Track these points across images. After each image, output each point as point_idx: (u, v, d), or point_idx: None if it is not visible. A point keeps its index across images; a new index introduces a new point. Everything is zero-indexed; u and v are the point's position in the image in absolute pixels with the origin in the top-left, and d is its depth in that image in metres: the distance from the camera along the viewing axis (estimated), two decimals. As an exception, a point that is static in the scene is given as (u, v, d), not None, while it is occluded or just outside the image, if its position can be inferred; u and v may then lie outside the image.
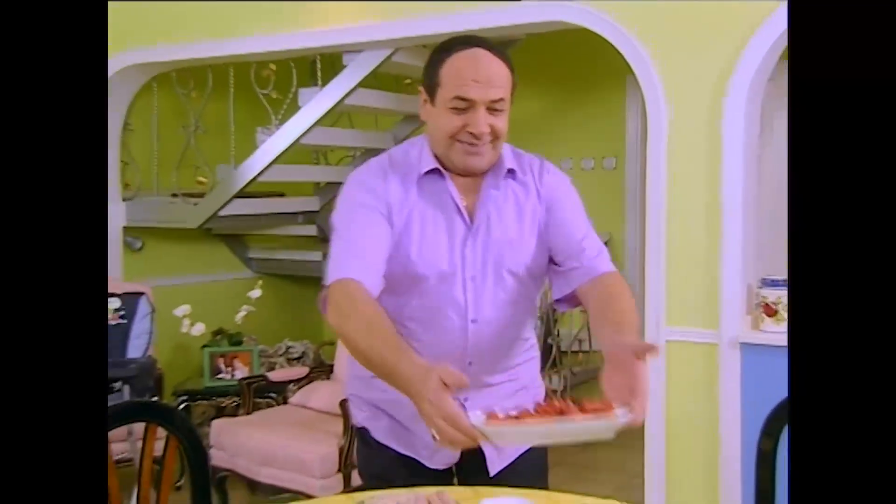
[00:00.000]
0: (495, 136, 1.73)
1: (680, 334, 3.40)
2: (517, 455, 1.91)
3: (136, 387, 3.54)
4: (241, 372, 4.54)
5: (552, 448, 5.38)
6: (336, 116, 5.40)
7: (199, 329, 4.50)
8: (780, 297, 3.20)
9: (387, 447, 1.88)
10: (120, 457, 3.77)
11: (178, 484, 4.43)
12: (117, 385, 3.54)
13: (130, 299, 3.93)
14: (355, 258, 1.70)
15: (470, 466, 1.85)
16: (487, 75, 1.70)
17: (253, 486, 3.77)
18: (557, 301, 1.88)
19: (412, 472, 1.83)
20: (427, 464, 1.85)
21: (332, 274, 1.69)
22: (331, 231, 1.81)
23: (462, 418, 1.38)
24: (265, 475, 3.66)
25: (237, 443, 3.77)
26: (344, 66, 4.53)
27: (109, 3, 4.51)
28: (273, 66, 4.88)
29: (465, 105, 1.69)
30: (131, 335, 3.88)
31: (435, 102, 1.75)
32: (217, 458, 3.85)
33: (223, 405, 4.57)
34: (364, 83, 4.79)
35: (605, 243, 5.80)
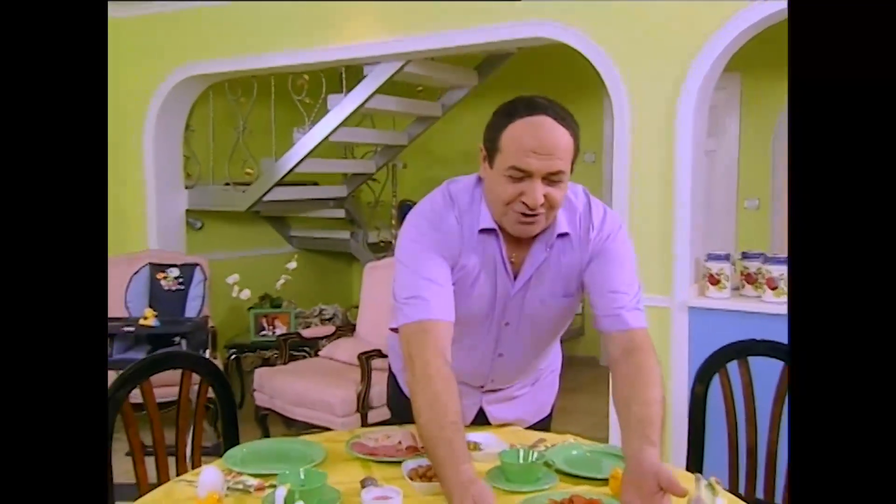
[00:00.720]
0: (550, 206, 1.49)
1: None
2: (515, 417, 1.89)
3: (191, 341, 3.59)
4: (281, 330, 4.58)
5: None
6: (360, 118, 5.39)
7: (246, 294, 4.54)
8: (721, 268, 3.19)
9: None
10: (163, 399, 3.84)
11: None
12: (176, 339, 3.61)
13: (187, 269, 3.98)
14: (428, 296, 1.51)
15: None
16: (548, 147, 1.45)
17: (288, 422, 3.82)
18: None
19: None
20: None
21: (413, 313, 1.50)
22: (401, 264, 1.58)
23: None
24: (298, 413, 3.71)
25: (276, 387, 3.82)
26: (364, 76, 4.52)
27: (172, 25, 4.40)
28: (306, 76, 4.88)
29: (521, 175, 1.45)
30: (188, 299, 3.93)
31: (493, 166, 1.50)
32: (259, 399, 3.91)
33: (266, 357, 4.62)
34: (382, 90, 4.78)
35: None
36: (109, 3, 4.79)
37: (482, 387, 1.82)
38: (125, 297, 3.99)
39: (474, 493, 1.26)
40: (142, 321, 3.51)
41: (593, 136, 5.88)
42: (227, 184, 5.24)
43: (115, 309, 4.02)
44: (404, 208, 6.59)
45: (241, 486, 1.48)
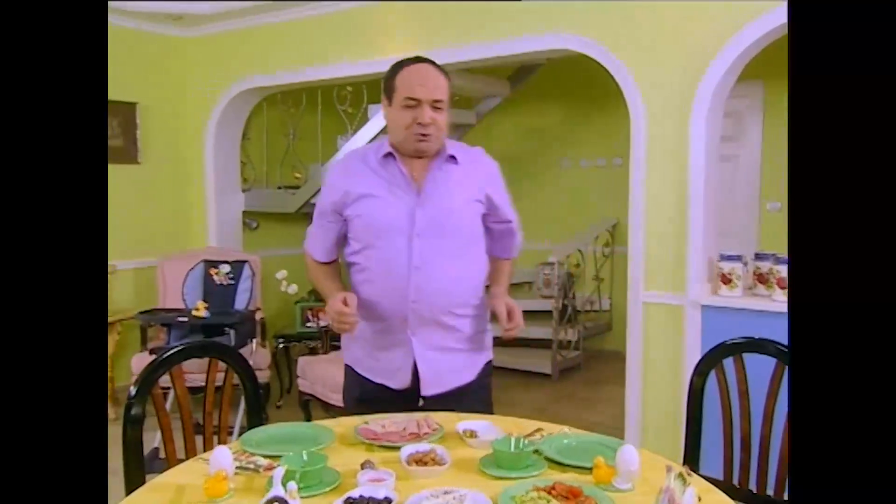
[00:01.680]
0: (438, 128, 1.83)
1: (654, 297, 3.35)
2: (452, 387, 1.93)
3: (239, 332, 3.66)
4: (324, 322, 4.63)
5: (562, 382, 5.35)
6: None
7: (294, 289, 4.60)
8: (733, 268, 3.10)
9: (365, 378, 1.97)
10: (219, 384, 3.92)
11: (279, 404, 4.59)
12: (226, 329, 3.68)
13: (237, 266, 4.05)
14: (313, 241, 2.02)
15: (415, 389, 1.93)
16: (430, 81, 1.84)
17: (327, 407, 3.86)
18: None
19: (382, 393, 1.93)
20: (391, 385, 1.93)
21: (306, 247, 2.05)
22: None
23: (336, 305, 1.80)
24: (334, 399, 3.72)
25: (316, 374, 3.85)
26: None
27: (231, 42, 4.44)
28: (350, 88, 4.92)
29: (413, 103, 1.81)
30: (237, 292, 4.00)
31: (392, 102, 1.86)
32: (302, 385, 3.95)
33: (311, 346, 4.68)
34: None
35: (614, 226, 5.77)
36: (176, 23, 4.93)
37: (406, 320, 1.87)
38: (182, 291, 4.09)
39: (343, 294, 1.82)
40: (194, 312, 3.60)
41: (621, 141, 5.78)
42: (279, 187, 5.33)
43: (174, 301, 4.13)
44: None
45: (252, 466, 1.51)
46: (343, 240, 1.98)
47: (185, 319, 3.56)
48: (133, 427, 1.67)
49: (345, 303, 1.81)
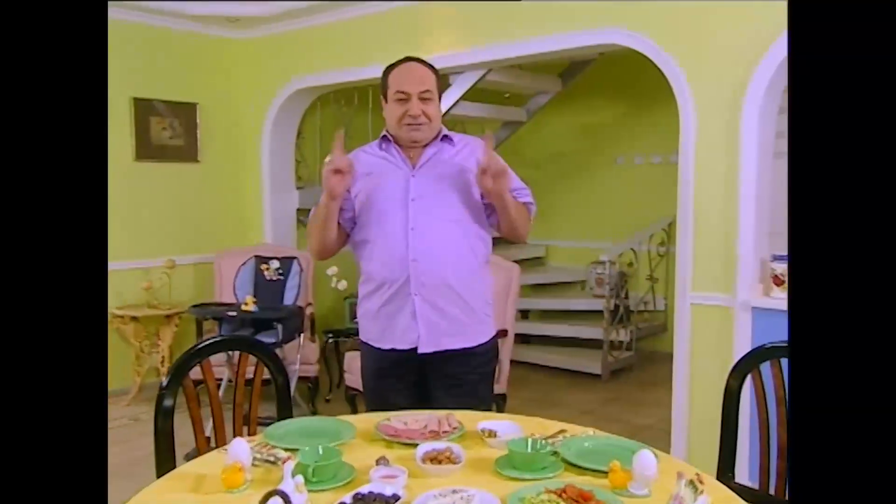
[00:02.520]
0: (429, 118, 1.99)
1: (702, 298, 3.24)
2: (447, 348, 2.04)
3: (287, 326, 3.74)
4: (373, 317, 4.67)
5: (613, 383, 5.24)
6: (452, 123, 5.41)
7: (343, 285, 4.67)
8: (785, 269, 2.98)
9: (378, 347, 2.10)
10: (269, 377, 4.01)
11: (328, 398, 4.66)
12: (275, 324, 3.76)
13: (286, 262, 4.13)
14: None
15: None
16: (417, 76, 1.99)
17: (372, 402, 3.89)
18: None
19: (391, 357, 2.07)
20: (399, 346, 2.05)
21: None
22: None
23: (333, 157, 1.96)
24: (379, 395, 3.78)
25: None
26: (450, 85, 4.54)
27: (284, 43, 4.48)
28: (399, 86, 4.95)
29: (404, 97, 1.97)
30: (286, 288, 4.08)
31: (387, 99, 2.03)
32: (348, 380, 4.01)
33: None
34: (471, 97, 4.79)
35: (669, 225, 5.62)
36: (233, 26, 5.07)
37: (408, 281, 1.98)
38: (234, 285, 4.21)
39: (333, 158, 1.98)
40: (243, 307, 3.69)
41: (674, 138, 5.63)
42: (333, 185, 5.40)
43: (226, 295, 4.26)
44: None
45: (272, 458, 1.54)
46: (350, 225, 2.11)
47: (235, 314, 3.66)
48: (164, 417, 1.72)
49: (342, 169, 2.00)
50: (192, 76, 5.06)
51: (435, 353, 2.05)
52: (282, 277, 4.06)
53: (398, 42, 4.32)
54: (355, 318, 4.70)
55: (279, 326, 3.66)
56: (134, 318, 4.53)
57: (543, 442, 1.53)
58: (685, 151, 3.24)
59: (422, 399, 2.10)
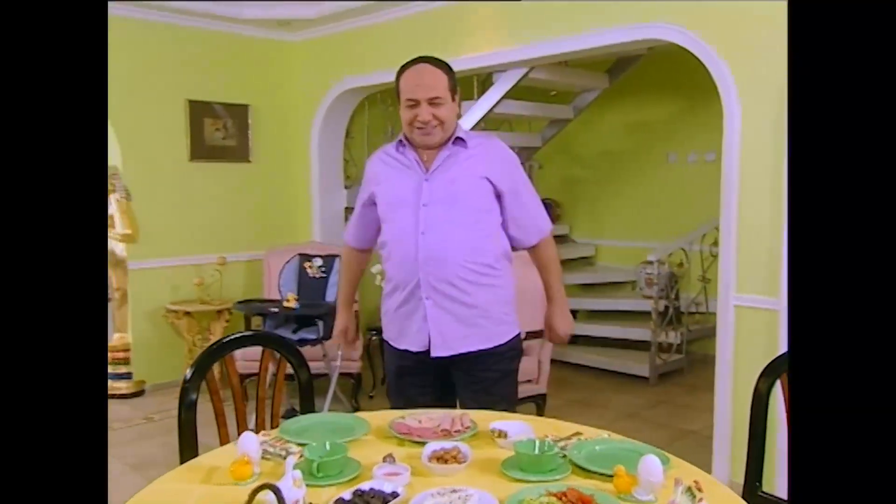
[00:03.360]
0: (440, 122, 1.98)
1: (747, 301, 3.14)
2: (460, 352, 2.04)
3: (327, 323, 3.79)
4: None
5: (660, 387, 5.11)
6: (499, 122, 5.39)
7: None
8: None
9: (395, 347, 2.14)
10: (316, 371, 4.08)
11: (371, 394, 4.71)
12: (316, 321, 3.83)
13: (329, 260, 4.20)
14: (349, 225, 2.29)
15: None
16: (426, 82, 1.97)
17: (411, 399, 3.91)
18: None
19: (408, 357, 2.09)
20: (412, 348, 2.08)
21: (345, 235, 2.33)
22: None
23: (338, 329, 2.32)
24: (418, 392, 3.80)
25: (402, 367, 3.93)
26: (493, 83, 4.53)
27: (332, 44, 4.51)
28: (444, 86, 4.96)
29: (413, 103, 1.97)
30: (328, 286, 4.14)
31: (400, 103, 2.03)
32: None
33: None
34: (517, 95, 4.76)
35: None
36: (284, 28, 5.18)
37: (419, 284, 2.01)
38: (278, 282, 4.30)
39: (343, 323, 2.36)
40: (285, 304, 3.77)
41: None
42: (380, 184, 5.46)
43: (273, 292, 4.36)
44: (545, 206, 6.52)
45: (283, 453, 1.57)
46: (378, 231, 2.17)
47: (276, 310, 3.74)
48: (187, 410, 1.78)
49: (345, 334, 2.33)
50: (245, 78, 5.20)
51: (452, 356, 2.05)
52: (324, 275, 4.13)
53: (441, 41, 4.33)
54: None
55: (320, 323, 3.72)
56: (187, 313, 4.68)
57: (551, 444, 1.51)
58: (729, 150, 3.14)
59: (443, 397, 2.12)
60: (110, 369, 4.63)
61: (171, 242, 4.89)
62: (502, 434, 1.63)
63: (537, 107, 5.02)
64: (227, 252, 5.01)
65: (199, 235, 5.02)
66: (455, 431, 1.67)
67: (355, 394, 4.43)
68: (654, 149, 5.97)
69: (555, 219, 6.42)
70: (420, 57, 2.05)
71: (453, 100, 2.02)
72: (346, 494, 1.32)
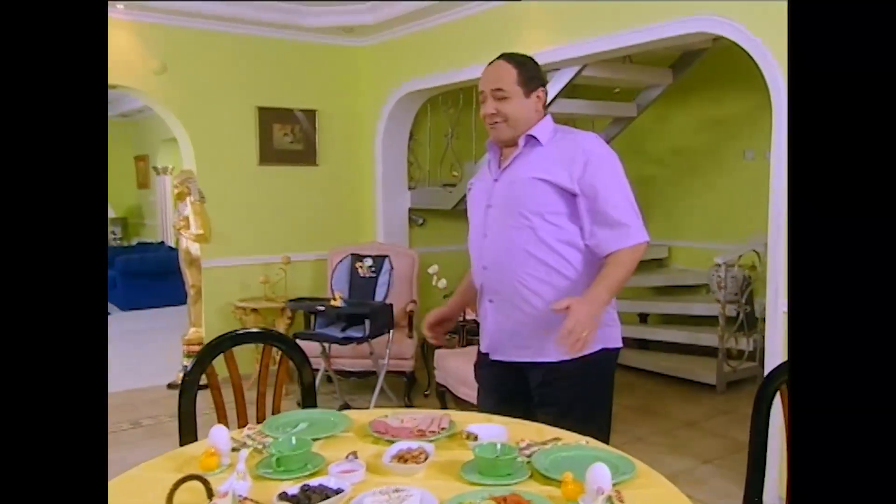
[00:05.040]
0: (504, 117, 1.92)
1: (798, 306, 2.95)
2: (518, 360, 2.00)
3: (374, 322, 3.88)
4: (469, 316, 4.70)
5: (728, 395, 4.88)
6: (563, 121, 5.30)
7: (443, 283, 4.74)
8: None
9: (479, 347, 2.16)
10: (363, 369, 4.16)
11: (426, 392, 4.77)
12: (363, 319, 3.92)
13: (378, 260, 4.28)
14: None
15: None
16: (493, 75, 1.94)
17: (457, 398, 3.95)
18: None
19: (483, 360, 2.12)
20: (482, 349, 2.12)
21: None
22: None
23: (428, 318, 2.22)
24: (462, 392, 3.82)
25: (448, 367, 3.97)
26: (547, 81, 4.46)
27: (396, 49, 4.60)
28: (501, 86, 4.94)
29: (483, 97, 1.95)
30: (377, 285, 4.22)
31: None
32: (439, 376, 4.09)
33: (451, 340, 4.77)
34: (577, 94, 4.67)
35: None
36: (348, 34, 5.33)
37: (483, 287, 2.02)
38: (331, 281, 4.43)
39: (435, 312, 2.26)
40: (332, 302, 3.89)
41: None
42: (443, 185, 5.51)
43: (323, 290, 4.49)
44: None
45: (260, 446, 1.63)
46: None
47: (323, 308, 3.86)
48: (186, 400, 1.88)
49: (430, 323, 2.23)
50: (312, 84, 5.38)
51: (512, 363, 1.98)
52: (374, 275, 4.22)
53: (494, 42, 4.33)
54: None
55: (367, 322, 3.81)
56: (254, 310, 4.91)
57: (511, 448, 1.50)
58: (778, 147, 2.97)
59: (517, 403, 1.97)
60: (185, 361, 4.92)
61: (241, 242, 5.14)
62: (471, 436, 1.63)
63: (597, 105, 4.91)
64: (293, 252, 5.21)
65: (266, 236, 5.25)
66: (430, 432, 1.68)
67: (408, 392, 4.50)
68: (731, 145, 5.70)
69: (626, 219, 6.25)
70: (501, 54, 1.99)
71: (527, 95, 1.92)
72: (294, 489, 1.36)
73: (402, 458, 1.52)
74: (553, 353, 1.92)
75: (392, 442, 1.63)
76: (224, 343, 1.95)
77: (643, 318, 5.96)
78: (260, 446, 1.63)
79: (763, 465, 1.76)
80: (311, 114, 5.39)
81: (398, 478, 1.46)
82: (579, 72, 4.22)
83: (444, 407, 4.11)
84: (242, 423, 1.98)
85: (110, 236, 10.84)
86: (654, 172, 6.22)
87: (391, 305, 4.05)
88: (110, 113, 9.79)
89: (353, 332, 3.90)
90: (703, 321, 5.40)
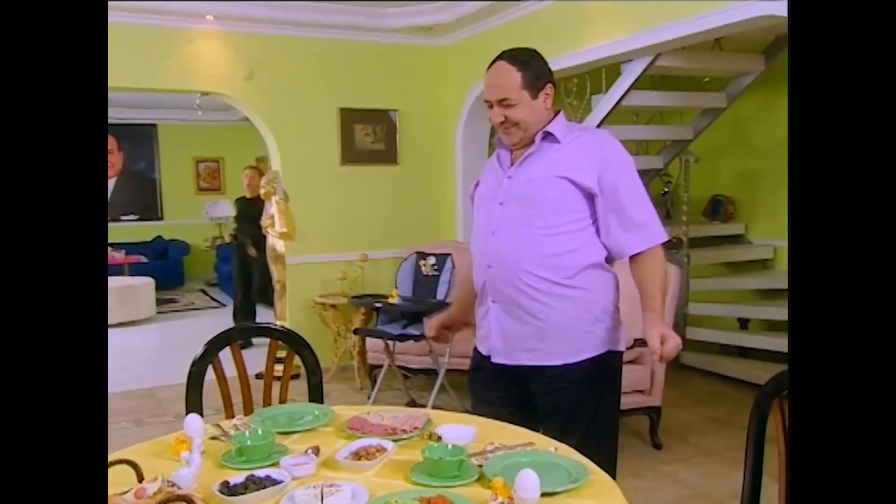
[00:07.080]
0: (514, 123, 1.89)
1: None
2: (522, 363, 1.94)
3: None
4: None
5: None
6: (650, 115, 5.12)
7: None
8: None
9: (475, 348, 2.10)
10: (427, 367, 4.21)
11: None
12: (423, 317, 3.98)
13: (441, 258, 4.32)
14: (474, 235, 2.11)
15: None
16: (496, 83, 1.89)
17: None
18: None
19: (481, 362, 2.05)
20: (482, 351, 2.05)
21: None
22: None
23: (430, 324, 2.29)
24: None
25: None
26: (620, 73, 4.33)
27: (472, 46, 4.65)
28: (575, 80, 4.85)
29: (489, 104, 1.92)
30: (439, 283, 4.27)
31: None
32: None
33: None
34: (661, 86, 4.50)
35: None
36: (427, 34, 5.42)
37: (486, 286, 1.97)
38: (396, 279, 4.53)
39: (439, 317, 2.29)
40: (389, 300, 3.97)
41: None
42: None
43: (387, 288, 4.59)
44: (715, 204, 6.03)
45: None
46: None
47: (380, 305, 3.96)
48: (194, 389, 2.01)
49: (434, 328, 2.26)
50: (393, 85, 5.52)
51: (515, 366, 1.95)
52: (436, 273, 4.27)
53: (566, 34, 4.26)
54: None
55: (426, 320, 3.86)
56: (332, 306, 5.11)
57: (460, 450, 1.49)
58: None
59: (523, 407, 1.98)
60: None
61: (322, 240, 5.37)
62: (434, 437, 1.64)
63: (680, 96, 4.69)
64: (374, 250, 5.37)
65: (347, 234, 5.45)
66: (401, 430, 1.70)
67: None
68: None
69: (727, 217, 5.92)
70: (502, 52, 1.93)
71: (535, 97, 1.88)
72: (239, 478, 1.44)
73: (357, 454, 1.56)
74: (558, 356, 1.90)
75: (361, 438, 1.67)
76: (231, 336, 2.06)
77: (744, 323, 5.62)
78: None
79: (759, 480, 1.64)
80: (391, 114, 5.52)
81: (347, 473, 1.50)
82: (652, 62, 4.06)
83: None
84: (249, 412, 2.09)
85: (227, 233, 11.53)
86: (759, 166, 5.84)
87: (446, 303, 4.09)
88: (233, 119, 10.28)
89: (412, 330, 3.97)
90: (769, 323, 5.03)
